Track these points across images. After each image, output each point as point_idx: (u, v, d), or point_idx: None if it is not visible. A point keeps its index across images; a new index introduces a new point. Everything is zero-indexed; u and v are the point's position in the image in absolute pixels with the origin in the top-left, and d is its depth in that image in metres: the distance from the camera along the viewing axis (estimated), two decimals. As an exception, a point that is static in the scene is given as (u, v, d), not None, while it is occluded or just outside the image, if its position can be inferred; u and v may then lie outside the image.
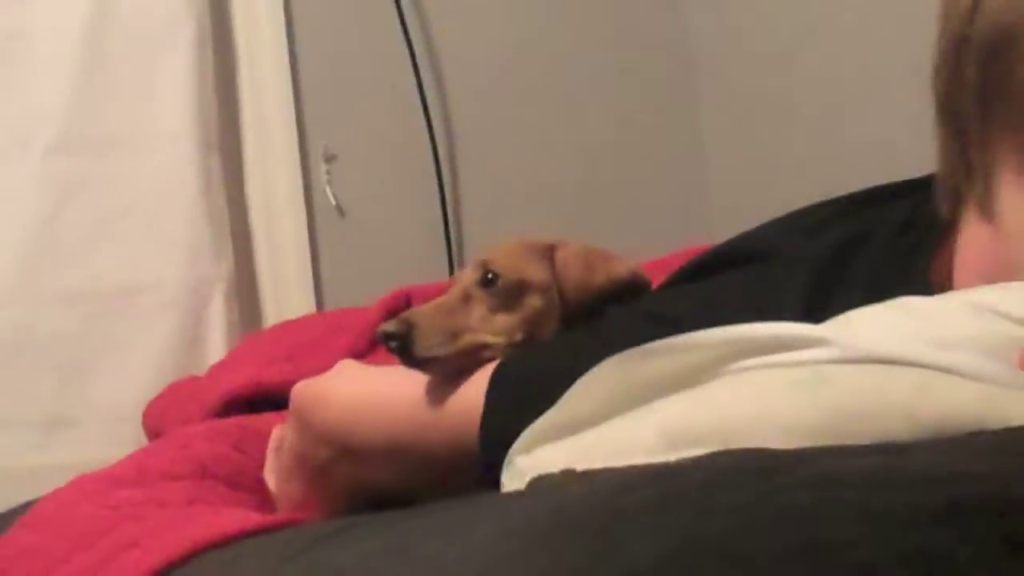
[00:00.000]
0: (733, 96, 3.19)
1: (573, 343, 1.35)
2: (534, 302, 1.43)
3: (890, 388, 1.03)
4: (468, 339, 1.38)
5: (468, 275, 1.44)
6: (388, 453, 1.41)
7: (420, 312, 1.38)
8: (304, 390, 1.50)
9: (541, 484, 1.09)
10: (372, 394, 1.44)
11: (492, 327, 1.40)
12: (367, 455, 1.43)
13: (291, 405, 1.51)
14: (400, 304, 2.06)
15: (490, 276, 1.41)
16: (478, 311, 1.40)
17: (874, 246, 1.29)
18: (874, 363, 1.06)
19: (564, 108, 3.14)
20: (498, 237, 1.52)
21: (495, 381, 1.33)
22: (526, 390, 1.29)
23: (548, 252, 1.46)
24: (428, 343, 1.35)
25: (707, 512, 0.84)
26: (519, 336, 1.41)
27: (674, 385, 1.14)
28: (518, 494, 1.13)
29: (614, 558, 0.78)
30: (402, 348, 1.35)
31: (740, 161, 3.16)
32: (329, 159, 2.89)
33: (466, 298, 1.41)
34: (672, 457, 1.03)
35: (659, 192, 3.20)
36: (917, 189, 1.30)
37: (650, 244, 2.18)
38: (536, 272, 1.44)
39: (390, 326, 1.35)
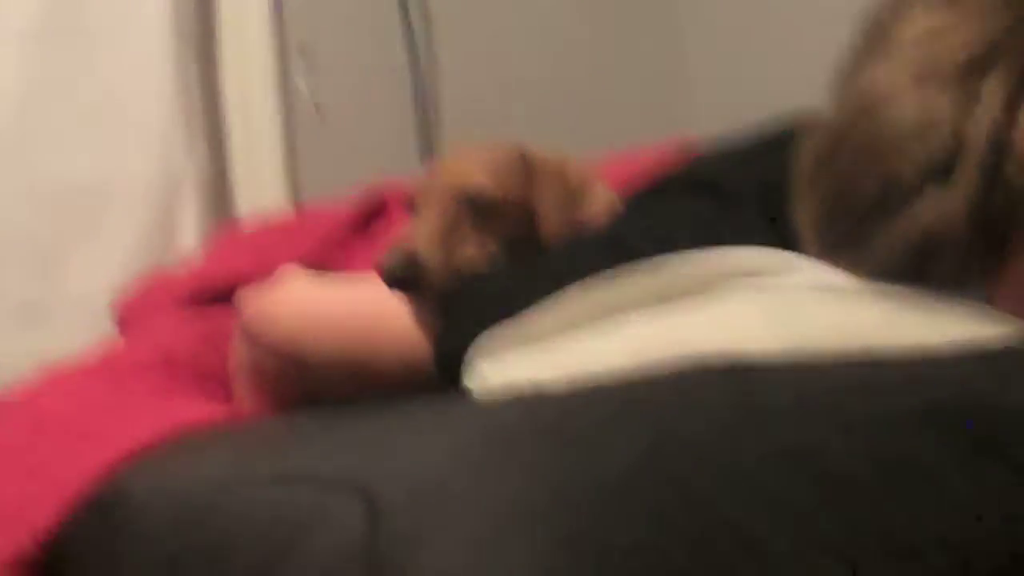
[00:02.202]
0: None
1: (531, 264, 1.35)
2: (509, 217, 1.42)
3: (856, 319, 1.04)
4: (459, 262, 1.36)
5: (443, 192, 1.42)
6: (339, 366, 1.40)
7: (417, 240, 1.36)
8: (250, 302, 1.49)
9: (512, 392, 1.08)
10: (322, 308, 1.43)
11: (478, 246, 1.39)
12: (317, 367, 1.43)
13: (239, 317, 1.50)
14: (375, 203, 2.04)
15: (467, 195, 1.40)
16: (462, 231, 1.39)
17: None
18: (840, 292, 1.07)
19: (544, 2, 3.11)
20: (474, 134, 1.50)
21: (452, 298, 1.32)
22: (482, 306, 1.28)
23: (522, 163, 1.45)
24: (433, 275, 1.34)
25: (680, 416, 0.84)
26: (494, 253, 1.40)
27: (643, 304, 1.14)
28: (491, 400, 1.12)
29: (587, 466, 0.77)
30: (406, 283, 1.34)
31: (719, 55, 3.14)
32: (305, 53, 2.85)
33: (449, 217, 1.39)
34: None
35: (637, 87, 3.17)
36: None
37: (627, 139, 2.16)
38: (511, 187, 1.43)
39: (396, 268, 1.33)
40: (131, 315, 2.26)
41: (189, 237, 2.67)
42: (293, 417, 1.31)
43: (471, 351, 1.21)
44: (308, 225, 2.13)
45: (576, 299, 1.18)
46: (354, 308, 1.39)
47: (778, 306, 1.06)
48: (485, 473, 0.79)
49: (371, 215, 2.03)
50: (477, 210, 1.39)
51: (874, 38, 1.13)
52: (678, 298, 1.13)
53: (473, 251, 1.38)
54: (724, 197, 1.29)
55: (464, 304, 1.31)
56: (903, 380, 0.89)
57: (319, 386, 1.46)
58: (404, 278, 1.33)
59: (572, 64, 3.11)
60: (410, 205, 1.45)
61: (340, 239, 1.99)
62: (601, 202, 1.46)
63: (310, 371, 1.44)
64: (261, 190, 2.81)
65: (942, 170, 1.04)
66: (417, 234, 1.38)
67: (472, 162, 1.44)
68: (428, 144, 2.92)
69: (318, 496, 0.92)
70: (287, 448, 1.12)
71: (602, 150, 1.98)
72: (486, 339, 1.20)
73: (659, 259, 1.16)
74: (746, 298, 1.09)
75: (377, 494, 0.85)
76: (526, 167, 1.44)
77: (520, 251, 1.41)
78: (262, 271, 1.64)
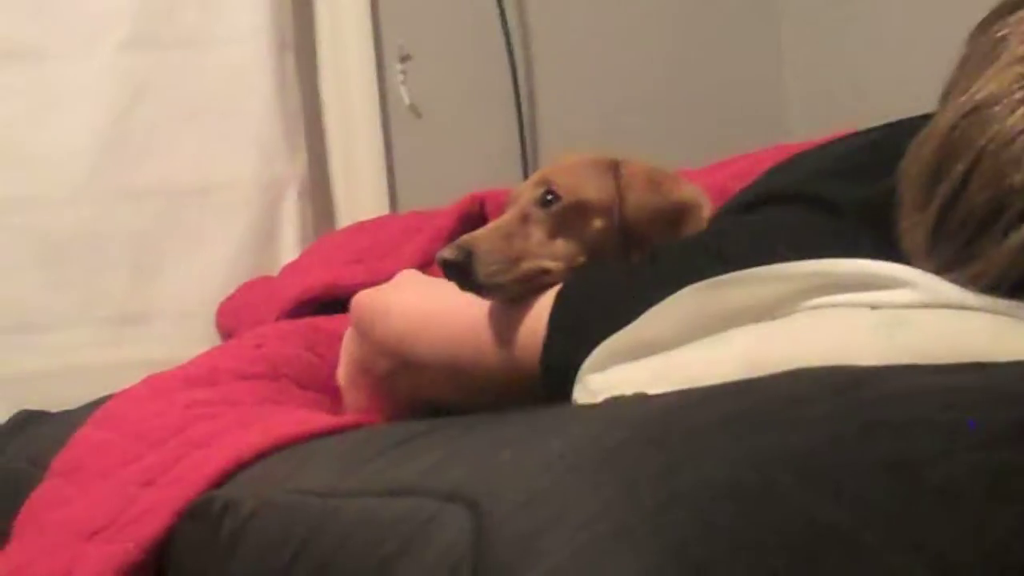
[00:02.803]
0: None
1: (634, 271, 1.33)
2: (595, 224, 1.40)
3: (967, 335, 1.03)
4: (527, 265, 1.35)
5: (527, 193, 1.40)
6: (446, 369, 1.41)
7: (479, 237, 1.34)
8: (365, 301, 1.49)
9: (619, 404, 1.07)
10: (432, 310, 1.44)
11: (552, 251, 1.37)
12: (425, 369, 1.43)
13: (352, 316, 1.52)
14: (474, 209, 2.04)
15: (549, 197, 1.39)
16: (537, 234, 1.37)
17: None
18: (953, 309, 1.06)
19: (642, 9, 3.10)
20: (573, 140, 1.49)
21: (557, 307, 1.31)
22: (588, 317, 1.28)
23: (612, 170, 1.43)
24: (488, 271, 1.32)
25: (786, 425, 0.83)
26: (580, 260, 1.38)
27: (753, 315, 1.14)
28: (592, 407, 1.12)
29: (694, 478, 0.77)
30: (462, 275, 1.33)
31: (818, 65, 3.12)
32: (404, 59, 2.86)
33: (525, 219, 1.38)
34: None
35: (734, 96, 3.15)
36: None
37: (723, 147, 2.15)
38: (598, 192, 1.41)
39: (449, 253, 1.32)
40: (234, 322, 2.29)
41: (290, 242, 2.69)
42: (398, 427, 1.31)
43: (581, 364, 1.21)
44: (409, 232, 2.14)
45: (682, 309, 1.17)
46: (460, 310, 1.39)
47: (889, 319, 1.05)
48: (592, 486, 0.79)
49: (472, 221, 2.03)
50: (555, 212, 1.38)
51: (986, 50, 1.11)
52: (786, 309, 1.13)
53: (537, 249, 1.36)
54: (826, 208, 1.27)
55: (570, 314, 1.30)
56: (1013, 394, 0.87)
57: (425, 388, 1.47)
58: (453, 264, 1.32)
59: (669, 70, 3.10)
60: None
61: (441, 245, 1.99)
62: (698, 211, 1.44)
63: (417, 372, 1.45)
64: (360, 195, 2.82)
65: None
66: (484, 229, 1.38)
67: (561, 167, 1.44)
68: (526, 149, 2.92)
69: (426, 509, 0.93)
70: (394, 460, 1.12)
71: (700, 157, 1.97)
72: (595, 352, 1.20)
73: (763, 269, 1.15)
74: (856, 311, 1.08)
75: (484, 507, 0.85)
76: (616, 175, 1.43)
77: (607, 255, 1.40)
78: (365, 279, 1.65)
